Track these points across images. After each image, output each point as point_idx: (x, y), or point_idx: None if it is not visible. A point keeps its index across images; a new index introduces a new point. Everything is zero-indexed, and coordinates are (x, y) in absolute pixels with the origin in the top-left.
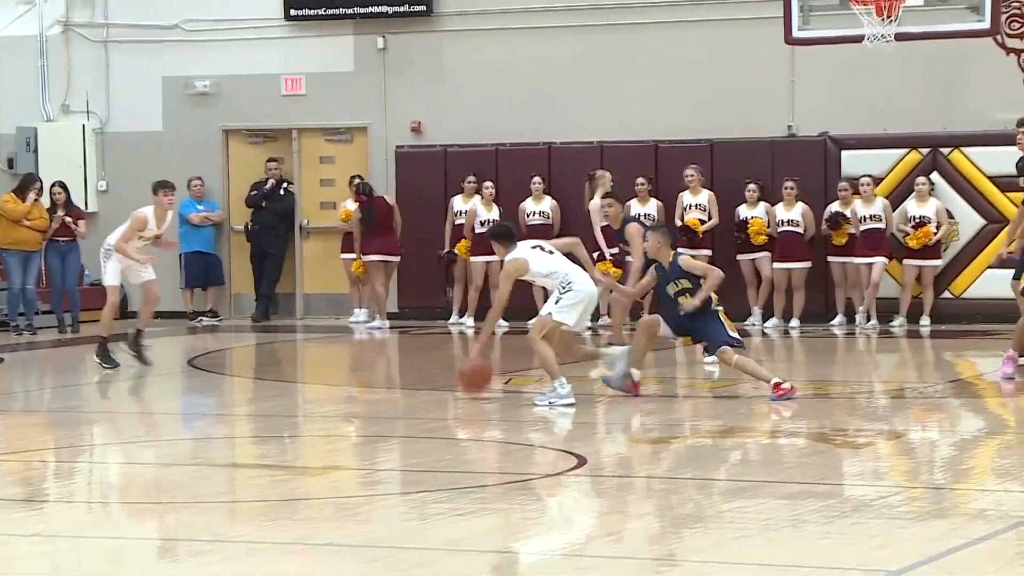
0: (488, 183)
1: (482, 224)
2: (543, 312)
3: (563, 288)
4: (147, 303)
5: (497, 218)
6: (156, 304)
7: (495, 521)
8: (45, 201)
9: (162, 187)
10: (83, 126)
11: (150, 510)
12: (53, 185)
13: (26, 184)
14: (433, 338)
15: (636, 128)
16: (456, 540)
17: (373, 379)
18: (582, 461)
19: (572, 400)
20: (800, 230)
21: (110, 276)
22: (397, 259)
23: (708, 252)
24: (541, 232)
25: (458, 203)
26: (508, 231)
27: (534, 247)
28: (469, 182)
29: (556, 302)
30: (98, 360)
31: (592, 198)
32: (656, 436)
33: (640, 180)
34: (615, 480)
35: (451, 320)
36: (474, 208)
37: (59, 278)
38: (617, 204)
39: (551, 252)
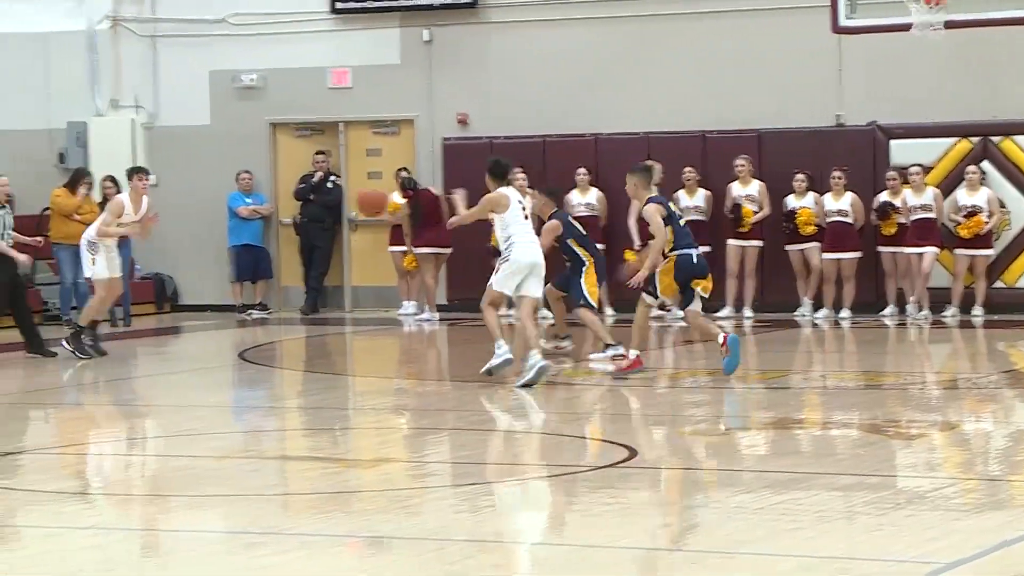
0: (520, 172)
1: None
2: (489, 282)
3: (503, 258)
4: (109, 299)
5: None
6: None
7: (546, 513)
8: (96, 195)
9: (136, 172)
10: (132, 120)
11: (203, 503)
12: (104, 179)
13: (77, 178)
14: (482, 330)
15: (683, 119)
16: (507, 533)
17: (423, 371)
18: (633, 453)
19: (505, 358)
20: (849, 220)
21: (100, 269)
22: (448, 251)
23: (759, 243)
24: (588, 224)
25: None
26: (501, 167)
27: (521, 206)
28: (516, 177)
29: (496, 271)
30: (71, 349)
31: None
32: (707, 427)
33: (688, 170)
34: (666, 472)
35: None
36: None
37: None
38: (541, 196)
39: (525, 219)
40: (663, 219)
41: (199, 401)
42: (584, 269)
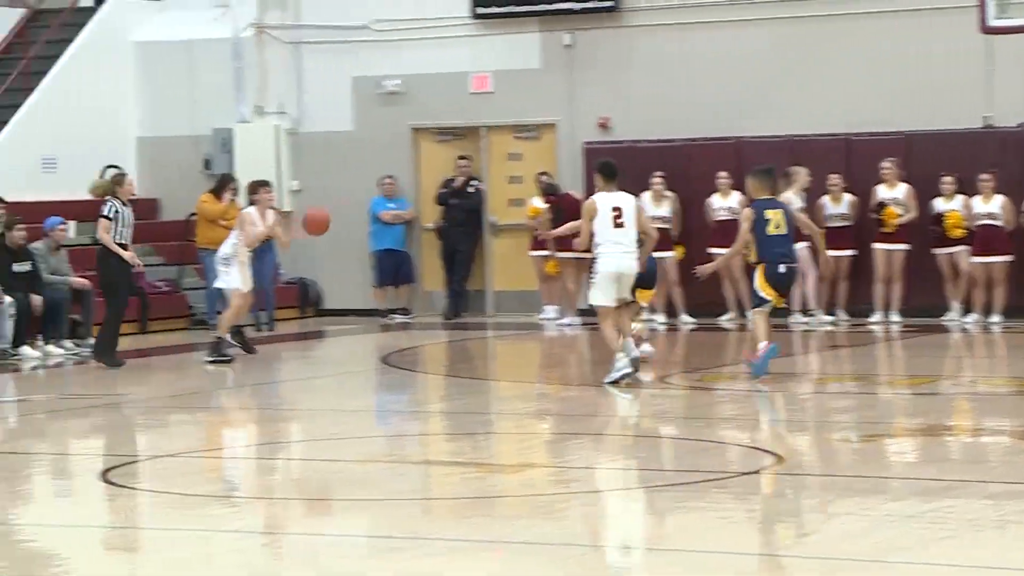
0: (658, 176)
1: (651, 220)
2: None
3: (591, 270)
4: (244, 309)
5: (667, 214)
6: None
7: (692, 520)
8: (241, 201)
9: (261, 186)
10: (276, 126)
11: (346, 507)
12: (249, 184)
13: (222, 184)
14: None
15: (828, 121)
16: (653, 539)
17: (565, 376)
18: (778, 459)
19: (625, 371)
20: (999, 223)
21: (235, 280)
22: (590, 256)
23: (906, 247)
24: (729, 228)
25: (647, 201)
26: (610, 168)
27: (615, 213)
28: (656, 184)
29: (589, 287)
30: (212, 358)
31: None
32: (854, 433)
33: (833, 178)
34: (813, 478)
35: (642, 316)
36: (641, 205)
37: (255, 277)
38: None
39: (618, 226)
40: (751, 225)
41: (343, 405)
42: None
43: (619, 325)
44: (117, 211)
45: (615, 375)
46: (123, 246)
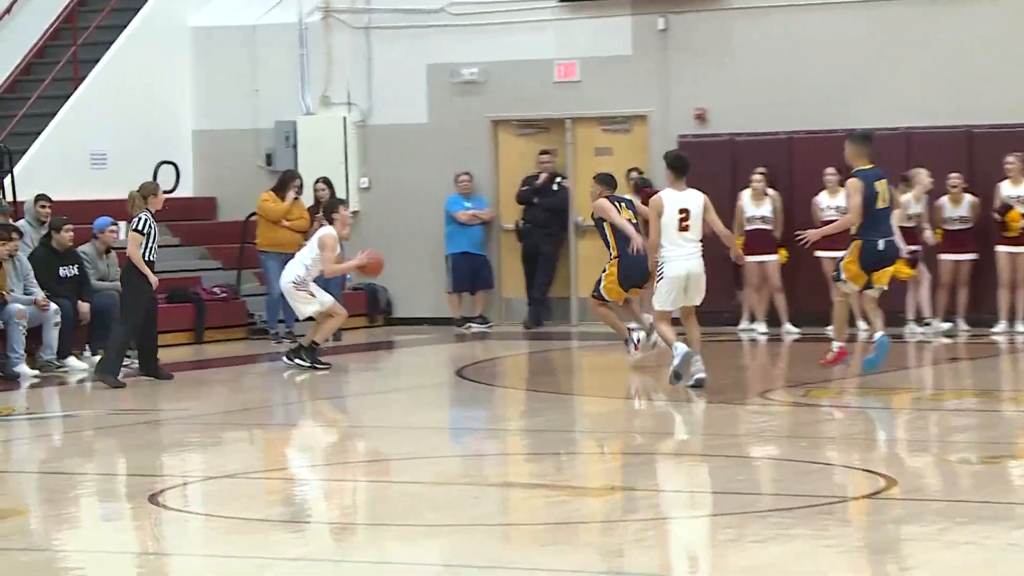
0: (759, 172)
1: (749, 221)
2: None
3: (658, 274)
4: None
5: (768, 214)
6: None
7: (796, 548)
8: (307, 199)
9: (341, 203)
10: (344, 119)
11: (419, 532)
12: (317, 182)
13: (285, 181)
14: (720, 346)
15: (946, 112)
16: (751, 568)
17: (655, 390)
18: (892, 482)
19: (684, 353)
20: None
21: (324, 297)
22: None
23: None
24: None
25: (746, 199)
26: (682, 162)
27: (683, 214)
28: (756, 181)
29: (654, 291)
30: (306, 363)
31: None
32: (974, 454)
33: (953, 177)
34: (929, 504)
35: (741, 326)
36: (741, 204)
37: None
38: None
39: (684, 229)
40: (862, 197)
41: (414, 422)
42: (609, 261)
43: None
44: (150, 225)
45: (676, 361)
46: (151, 264)
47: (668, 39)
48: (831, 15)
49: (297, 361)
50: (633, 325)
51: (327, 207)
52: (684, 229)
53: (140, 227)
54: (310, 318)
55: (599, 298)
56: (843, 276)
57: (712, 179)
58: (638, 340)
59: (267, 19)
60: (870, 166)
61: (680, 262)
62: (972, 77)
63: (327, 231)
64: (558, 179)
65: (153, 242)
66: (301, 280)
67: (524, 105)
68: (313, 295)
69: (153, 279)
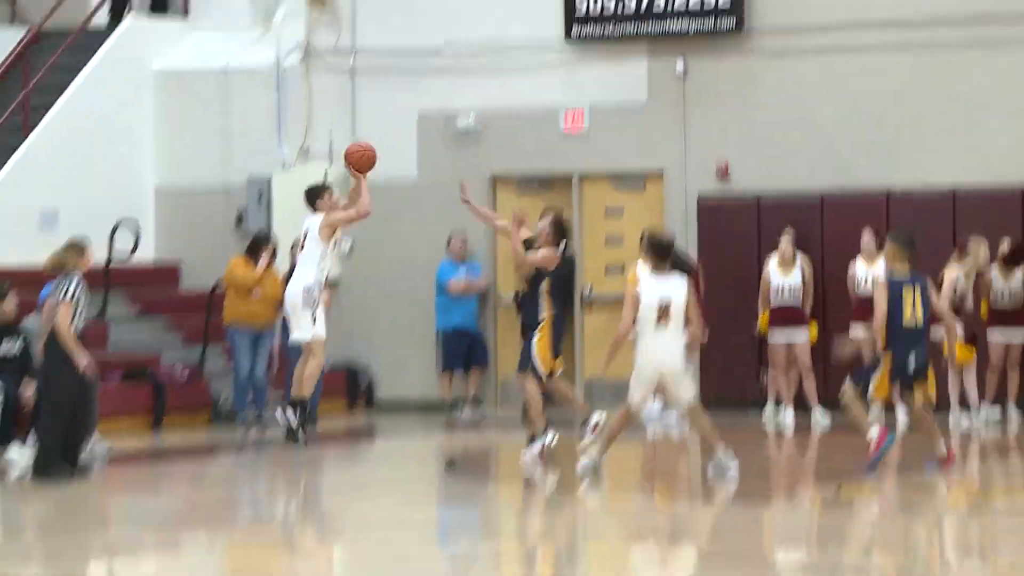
0: (787, 235)
1: (776, 292)
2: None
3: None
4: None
5: (797, 284)
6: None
7: None
8: (281, 266)
9: (326, 190)
10: (325, 172)
11: None
12: (294, 246)
13: (257, 245)
14: (742, 435)
15: (999, 170)
16: None
17: (672, 487)
18: None
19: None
20: None
21: (322, 327)
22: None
23: None
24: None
25: (772, 267)
26: (663, 248)
27: (662, 306)
28: (784, 246)
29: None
30: (294, 425)
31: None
32: None
33: (1005, 244)
34: None
35: (766, 411)
36: (767, 273)
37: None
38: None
39: (661, 321)
40: (887, 303)
41: (397, 522)
42: (540, 327)
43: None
44: (77, 293)
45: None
46: (80, 337)
47: (688, 85)
48: (872, 59)
49: (289, 417)
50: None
51: (309, 192)
52: (662, 321)
53: (69, 295)
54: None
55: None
56: (872, 395)
57: (735, 242)
58: (596, 423)
59: (240, 61)
60: (907, 272)
61: (654, 356)
62: None
63: (317, 216)
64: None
65: (83, 310)
66: (310, 291)
67: (526, 159)
68: (315, 320)
69: (85, 359)
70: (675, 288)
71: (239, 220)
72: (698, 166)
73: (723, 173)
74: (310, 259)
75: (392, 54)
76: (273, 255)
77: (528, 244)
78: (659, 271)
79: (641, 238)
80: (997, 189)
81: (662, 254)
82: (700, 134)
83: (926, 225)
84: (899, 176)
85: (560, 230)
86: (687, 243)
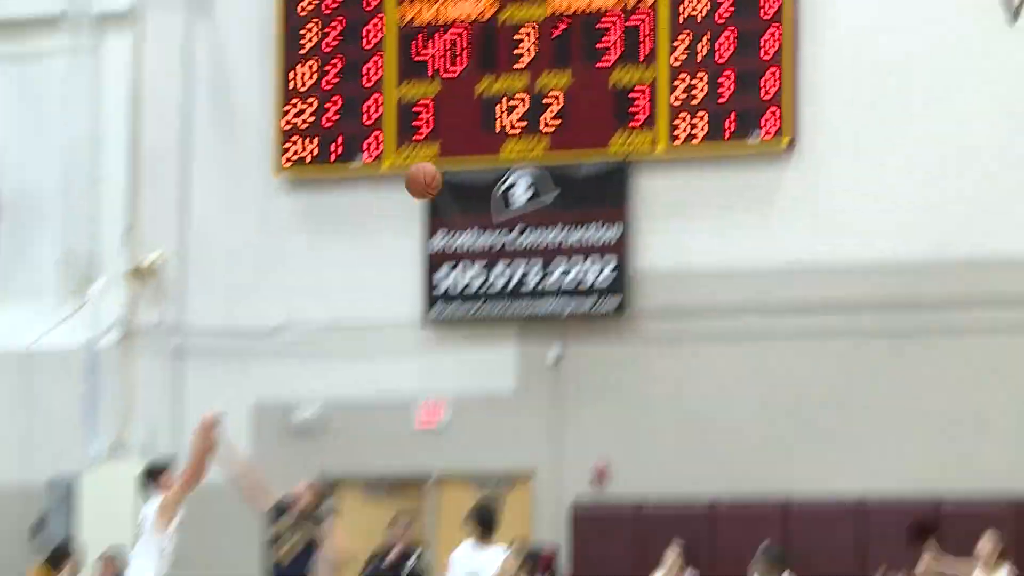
0: (675, 548)
1: None
2: None
3: None
4: None
5: None
6: None
7: None
8: None
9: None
10: (141, 472)
11: None
12: (100, 557)
13: (58, 558)
14: None
15: (912, 477)
16: None
17: None
18: None
19: None
20: None
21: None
22: None
23: None
24: None
25: None
26: (489, 515)
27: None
28: (671, 560)
29: None
30: None
31: None
32: None
33: (924, 561)
34: None
35: None
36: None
37: None
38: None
39: None
40: None
41: None
42: None
43: None
44: None
45: None
46: None
47: (562, 373)
48: (770, 349)
49: None
50: None
51: (149, 472)
52: None
53: None
54: None
55: None
56: None
57: (614, 556)
58: None
59: (48, 342)
60: None
61: None
62: (947, 433)
63: (155, 500)
64: (415, 555)
65: None
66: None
67: (374, 457)
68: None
69: None
70: (488, 561)
71: (38, 526)
72: (573, 467)
73: (601, 476)
74: (145, 555)
75: (225, 334)
76: (76, 569)
77: (280, 509)
78: (482, 542)
79: (473, 512)
80: (910, 500)
81: (487, 526)
82: (575, 430)
83: (829, 542)
84: (798, 482)
85: (320, 496)
86: (561, 555)
